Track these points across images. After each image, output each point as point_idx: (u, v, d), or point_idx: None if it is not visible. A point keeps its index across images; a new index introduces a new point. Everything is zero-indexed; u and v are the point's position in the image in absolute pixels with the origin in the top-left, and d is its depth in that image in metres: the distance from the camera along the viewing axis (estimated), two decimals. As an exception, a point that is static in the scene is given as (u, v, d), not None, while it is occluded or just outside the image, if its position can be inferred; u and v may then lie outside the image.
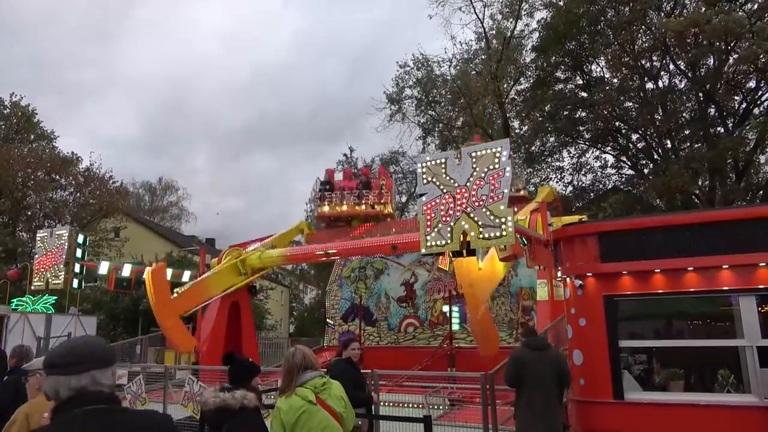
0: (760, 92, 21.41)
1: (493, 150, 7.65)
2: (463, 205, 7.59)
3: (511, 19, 27.22)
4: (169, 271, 17.67)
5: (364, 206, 18.06)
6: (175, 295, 13.80)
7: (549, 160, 26.45)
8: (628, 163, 25.43)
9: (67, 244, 15.90)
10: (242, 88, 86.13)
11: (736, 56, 19.98)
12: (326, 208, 18.23)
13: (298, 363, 3.82)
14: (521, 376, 6.13)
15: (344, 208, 18.15)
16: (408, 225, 16.52)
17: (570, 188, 26.28)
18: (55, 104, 73.39)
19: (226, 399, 4.06)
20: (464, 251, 7.66)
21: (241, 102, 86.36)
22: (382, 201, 18.10)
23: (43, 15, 76.34)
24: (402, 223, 17.51)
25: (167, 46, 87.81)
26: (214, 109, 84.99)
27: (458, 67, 28.78)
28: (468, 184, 7.63)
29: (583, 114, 24.50)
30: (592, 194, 25.60)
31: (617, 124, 24.34)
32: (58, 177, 29.57)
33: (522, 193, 16.49)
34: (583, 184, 26.35)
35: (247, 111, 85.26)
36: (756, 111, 21.72)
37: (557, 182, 26.58)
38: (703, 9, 19.60)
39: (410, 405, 9.26)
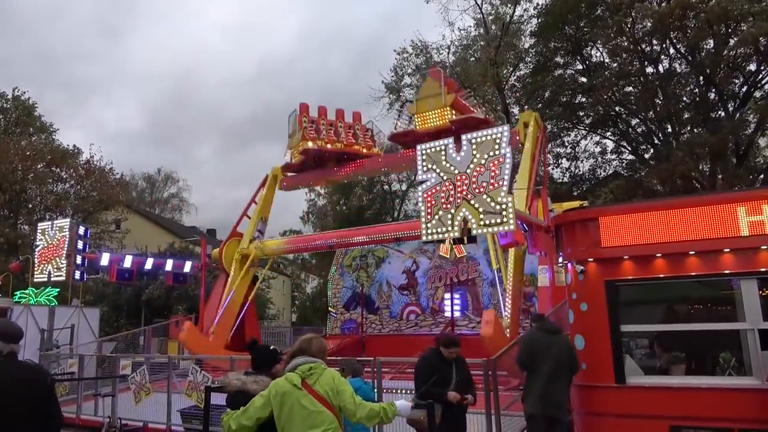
0: (761, 75, 21.29)
1: (494, 136, 7.63)
2: (464, 192, 7.57)
3: (509, 4, 27.00)
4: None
5: (358, 146, 16.13)
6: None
7: (550, 145, 26.35)
8: (629, 148, 25.36)
9: (68, 236, 15.91)
10: (248, 80, 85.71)
11: (736, 39, 19.84)
12: (310, 144, 15.60)
13: (294, 349, 3.89)
14: (535, 359, 6.12)
15: (337, 145, 15.88)
16: (396, 160, 15.99)
17: (568, 175, 26.27)
18: (61, 98, 73.31)
19: (246, 382, 4.16)
20: (465, 238, 7.66)
21: (246, 94, 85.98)
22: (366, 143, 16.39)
23: (50, 9, 76.13)
24: (391, 157, 16.63)
25: (173, 38, 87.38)
26: (219, 101, 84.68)
27: (457, 54, 28.59)
28: (468, 170, 7.61)
29: (583, 99, 24.38)
30: (592, 181, 25.56)
31: (617, 108, 24.24)
32: (58, 169, 29.56)
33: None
34: (581, 171, 26.37)
35: (252, 103, 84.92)
36: (757, 94, 21.62)
37: (555, 168, 26.54)
38: None
39: (413, 392, 9.27)
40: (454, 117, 13.81)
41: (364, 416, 3.64)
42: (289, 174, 17.02)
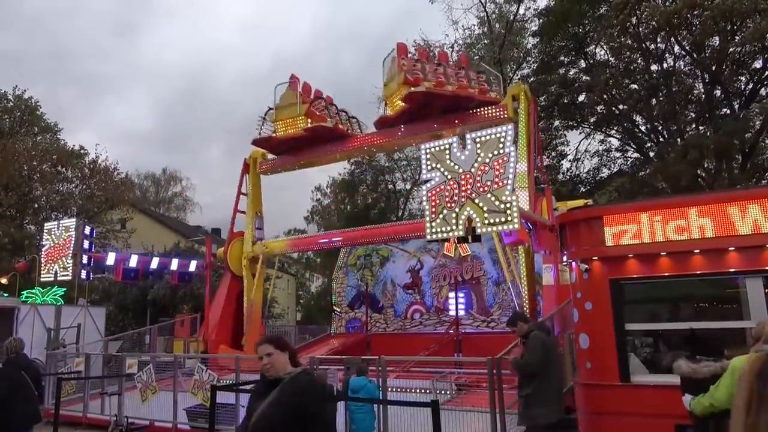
0: (767, 73, 21.16)
1: (498, 135, 7.63)
2: (468, 191, 7.58)
3: (513, 2, 26.95)
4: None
5: (473, 89, 13.08)
6: None
7: (554, 143, 26.29)
8: (633, 146, 25.27)
9: (74, 235, 15.98)
10: (260, 78, 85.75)
11: (741, 36, 19.73)
12: (416, 88, 12.69)
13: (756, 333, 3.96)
14: (549, 361, 6.22)
15: (448, 87, 12.87)
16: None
17: (569, 174, 26.22)
18: (74, 96, 73.86)
19: (696, 369, 4.59)
20: (469, 237, 7.67)
21: (258, 92, 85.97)
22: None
23: (64, 7, 76.49)
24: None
25: (186, 36, 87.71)
26: (231, 100, 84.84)
27: (461, 52, 28.52)
28: (473, 169, 7.61)
29: (586, 99, 24.29)
30: (594, 182, 25.51)
31: (621, 107, 24.14)
32: (63, 169, 29.68)
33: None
34: (585, 170, 26.33)
35: (263, 101, 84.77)
36: (763, 92, 21.50)
37: (559, 167, 26.47)
38: None
39: (417, 390, 9.33)
40: (308, 125, 14.78)
41: None
42: (270, 157, 16.56)
